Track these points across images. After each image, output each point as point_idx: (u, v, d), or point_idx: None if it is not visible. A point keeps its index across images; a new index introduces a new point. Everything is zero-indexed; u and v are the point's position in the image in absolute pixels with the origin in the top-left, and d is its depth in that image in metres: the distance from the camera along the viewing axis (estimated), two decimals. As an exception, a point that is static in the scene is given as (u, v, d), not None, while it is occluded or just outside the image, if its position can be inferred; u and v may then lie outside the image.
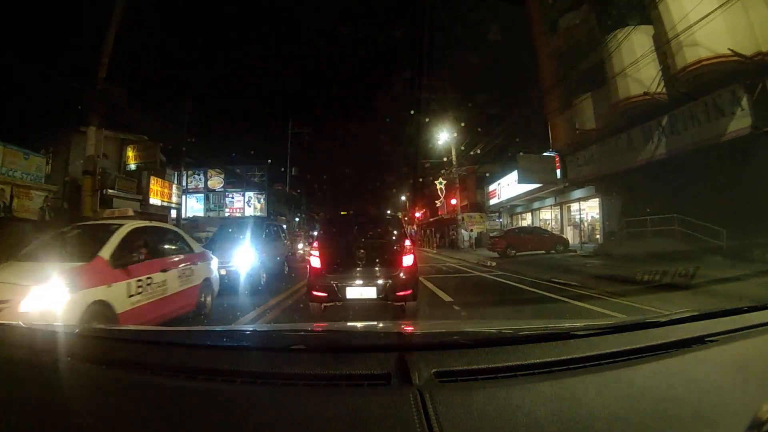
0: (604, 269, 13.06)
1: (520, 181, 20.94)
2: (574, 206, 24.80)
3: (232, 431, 1.01)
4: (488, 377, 1.18)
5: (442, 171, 33.03)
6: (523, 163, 20.41)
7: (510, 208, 32.73)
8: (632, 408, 1.05)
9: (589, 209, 23.69)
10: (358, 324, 2.76)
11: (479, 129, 28.71)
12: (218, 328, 2.95)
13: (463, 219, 31.99)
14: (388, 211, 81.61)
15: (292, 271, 14.47)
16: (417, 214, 54.26)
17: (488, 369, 1.21)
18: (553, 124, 20.76)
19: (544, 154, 21.17)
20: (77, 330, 1.81)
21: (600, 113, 17.72)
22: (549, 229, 25.60)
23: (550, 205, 26.95)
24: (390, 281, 6.41)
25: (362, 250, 6.61)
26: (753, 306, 1.73)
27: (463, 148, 30.90)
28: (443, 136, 31.28)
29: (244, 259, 10.51)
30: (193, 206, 49.24)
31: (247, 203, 48.89)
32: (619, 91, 15.87)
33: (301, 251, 20.71)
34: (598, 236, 22.55)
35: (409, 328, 2.05)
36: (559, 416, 1.01)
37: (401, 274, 6.52)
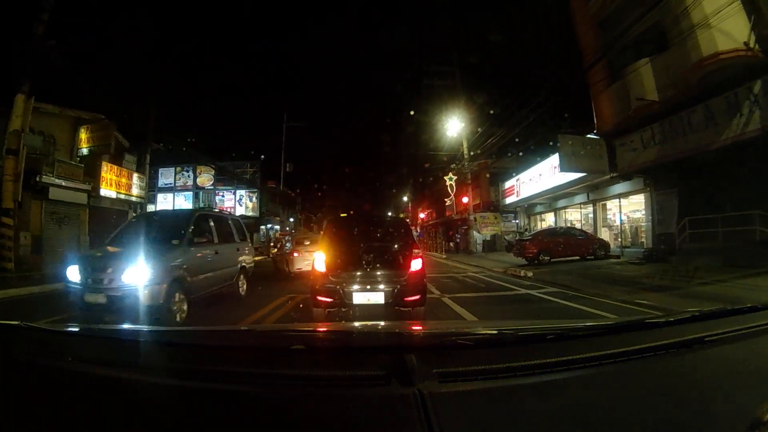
0: (689, 283, 9.84)
1: (562, 169, 16.71)
2: (612, 204, 20.75)
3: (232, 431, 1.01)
4: (489, 378, 1.16)
5: (453, 166, 28.93)
6: (565, 147, 16.15)
7: (528, 207, 28.85)
8: (632, 408, 1.05)
9: (631, 207, 19.77)
10: (359, 324, 2.75)
11: (495, 117, 24.76)
12: (219, 328, 2.57)
13: (475, 220, 28.03)
14: (394, 214, 78.51)
15: (258, 290, 10.13)
16: (421, 215, 50.24)
17: (489, 369, 1.19)
18: (598, 102, 16.76)
19: (589, 136, 17.06)
20: (78, 330, 1.77)
21: (665, 82, 13.71)
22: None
23: (580, 204, 22.92)
24: (398, 286, 6.08)
25: (369, 254, 6.26)
26: (753, 306, 1.72)
27: (466, 150, 26.96)
28: (453, 127, 27.33)
29: (141, 276, 6.01)
30: (182, 205, 45.83)
31: (238, 202, 45.45)
32: (701, 48, 11.96)
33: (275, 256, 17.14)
34: (643, 239, 18.83)
35: (410, 329, 2.01)
36: (560, 416, 1.01)
37: (410, 279, 6.22)
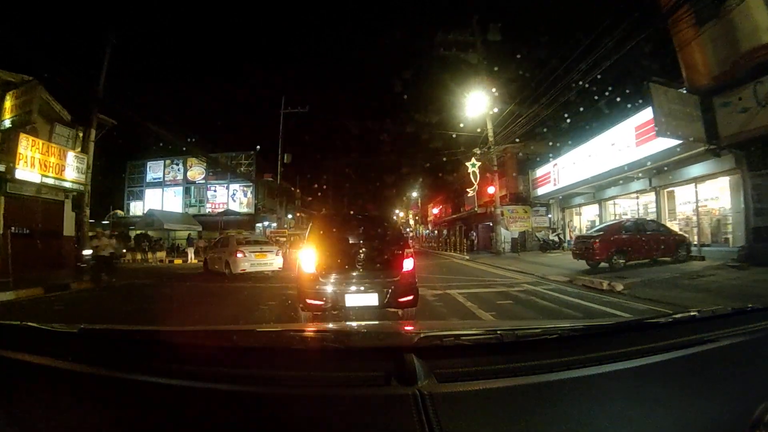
0: None
1: (659, 133, 12.02)
2: (683, 191, 16.55)
3: None
4: (488, 378, 1.16)
5: (476, 150, 24.68)
6: (660, 100, 11.59)
7: (563, 199, 24.67)
8: (633, 408, 1.06)
9: (709, 194, 15.56)
10: (358, 324, 2.79)
11: (526, 90, 20.55)
12: (218, 328, 2.53)
13: (502, 214, 23.89)
14: (403, 210, 74.40)
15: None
16: (434, 210, 46.02)
17: (488, 370, 1.20)
18: (687, 50, 12.50)
19: (681, 90, 12.68)
20: (77, 330, 1.63)
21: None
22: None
23: (637, 192, 18.65)
24: (392, 287, 5.93)
25: (361, 254, 6.10)
26: (753, 307, 1.71)
27: (491, 130, 22.75)
28: (475, 104, 23.05)
29: None
30: (170, 200, 42.32)
31: (231, 197, 41.65)
32: None
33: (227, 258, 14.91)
34: (727, 235, 14.74)
35: (409, 329, 2.03)
36: (560, 416, 1.02)
37: (403, 279, 6.10)
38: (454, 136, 25.52)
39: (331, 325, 2.79)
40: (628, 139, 15.64)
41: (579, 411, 1.03)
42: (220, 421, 1.02)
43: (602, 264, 12.46)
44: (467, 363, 1.22)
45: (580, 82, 15.49)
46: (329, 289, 5.85)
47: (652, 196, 17.95)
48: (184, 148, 27.58)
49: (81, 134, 15.42)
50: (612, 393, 1.12)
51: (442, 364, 1.19)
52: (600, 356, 1.28)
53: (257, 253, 14.62)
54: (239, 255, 14.19)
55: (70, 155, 14.79)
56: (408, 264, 6.19)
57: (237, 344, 1.55)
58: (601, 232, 12.90)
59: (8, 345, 1.45)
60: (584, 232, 20.75)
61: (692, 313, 1.61)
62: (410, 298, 6.04)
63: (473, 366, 1.20)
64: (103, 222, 41.94)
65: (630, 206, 20.19)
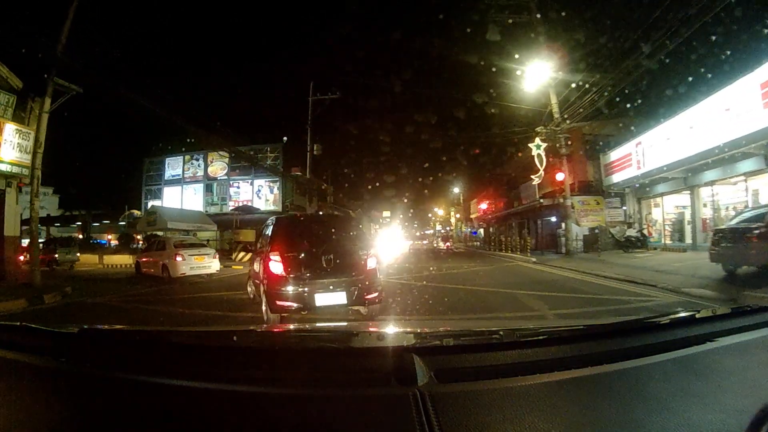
0: None
1: None
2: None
3: None
4: (488, 378, 1.18)
5: (539, 129, 21.67)
6: None
7: (639, 188, 21.74)
8: (632, 408, 1.08)
9: None
10: (357, 324, 3.04)
11: (598, 55, 17.82)
12: (219, 328, 2.75)
13: (573, 206, 21.11)
14: (445, 207, 71.88)
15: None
16: (482, 206, 43.24)
17: (489, 370, 1.22)
18: None
19: None
20: (76, 331, 1.72)
21: None
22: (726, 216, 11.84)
23: (744, 174, 15.46)
24: (359, 285, 6.43)
25: (328, 254, 6.48)
26: (753, 307, 1.76)
27: (556, 106, 20.00)
28: (534, 75, 20.09)
29: None
30: (190, 197, 41.16)
31: (256, 194, 40.03)
32: None
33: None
34: None
35: (409, 328, 2.08)
36: (560, 416, 1.04)
37: (368, 277, 6.63)
38: (512, 107, 22.71)
39: (331, 326, 2.94)
40: (750, 100, 12.72)
41: (579, 411, 1.06)
42: (219, 421, 1.03)
43: (740, 269, 9.69)
44: (467, 363, 1.25)
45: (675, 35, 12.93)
46: (299, 289, 6.24)
47: (765, 178, 15.02)
48: (204, 136, 25.52)
49: (38, 105, 12.81)
50: (612, 393, 1.15)
51: (442, 364, 1.22)
52: (600, 356, 1.32)
53: (196, 256, 14.99)
54: (179, 258, 14.47)
55: (9, 128, 12.34)
56: (371, 262, 6.81)
57: (237, 344, 1.57)
58: (759, 223, 9.65)
59: (8, 345, 1.50)
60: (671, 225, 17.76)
61: (692, 313, 1.67)
62: (375, 295, 6.61)
63: (473, 366, 1.23)
64: (119, 223, 41.19)
65: (731, 193, 16.99)
